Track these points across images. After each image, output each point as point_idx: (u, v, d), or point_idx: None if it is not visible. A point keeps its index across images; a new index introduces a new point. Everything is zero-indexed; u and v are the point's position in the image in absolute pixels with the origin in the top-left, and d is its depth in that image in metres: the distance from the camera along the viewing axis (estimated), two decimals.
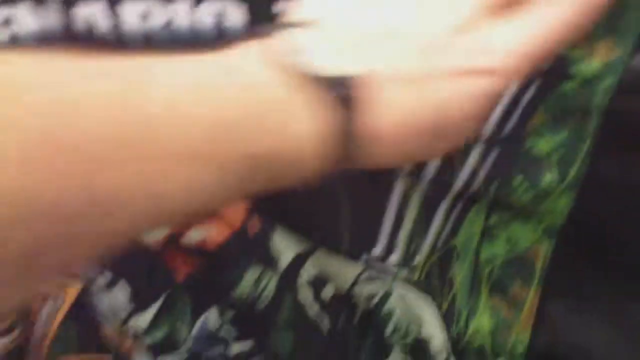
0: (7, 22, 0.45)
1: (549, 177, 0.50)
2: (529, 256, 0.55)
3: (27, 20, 0.46)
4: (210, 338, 0.61)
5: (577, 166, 0.49)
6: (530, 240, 0.54)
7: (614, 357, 0.58)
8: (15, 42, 0.46)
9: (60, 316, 0.60)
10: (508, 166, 0.50)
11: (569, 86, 0.46)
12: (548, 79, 0.46)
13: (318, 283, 0.58)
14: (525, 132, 0.49)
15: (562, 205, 0.51)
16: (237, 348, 0.61)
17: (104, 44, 0.46)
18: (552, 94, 0.47)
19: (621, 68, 0.45)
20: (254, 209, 0.55)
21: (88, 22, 0.45)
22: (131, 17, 0.45)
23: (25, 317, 0.59)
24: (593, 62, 0.45)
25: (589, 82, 0.46)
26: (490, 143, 0.49)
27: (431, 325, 0.59)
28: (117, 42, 0.46)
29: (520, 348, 0.59)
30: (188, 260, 0.57)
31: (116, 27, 0.45)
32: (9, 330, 0.57)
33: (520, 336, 0.58)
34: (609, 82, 0.45)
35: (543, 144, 0.49)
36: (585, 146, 0.48)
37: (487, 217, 0.54)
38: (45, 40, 0.46)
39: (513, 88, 0.47)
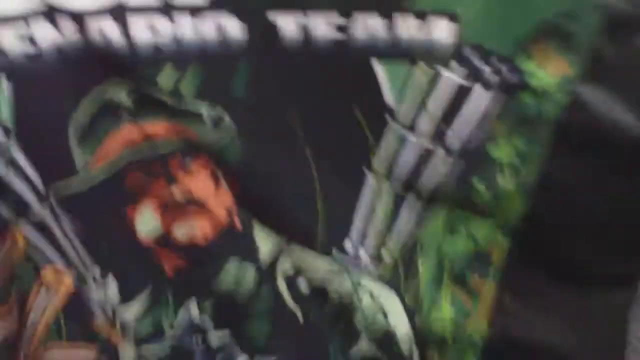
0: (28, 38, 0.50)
1: (504, 180, 0.55)
2: (486, 250, 0.60)
3: (47, 34, 0.50)
4: (191, 328, 0.65)
5: (531, 171, 0.54)
6: (488, 236, 0.59)
7: (560, 345, 0.63)
8: (35, 60, 0.51)
9: (53, 306, 0.64)
10: (468, 170, 0.55)
11: (523, 97, 0.51)
12: (505, 90, 0.51)
13: (292, 276, 0.63)
14: (483, 140, 0.54)
15: (517, 206, 0.55)
16: (215, 338, 0.66)
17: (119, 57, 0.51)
18: (508, 105, 0.52)
19: (574, 87, 0.50)
20: (237, 204, 0.59)
21: (103, 35, 0.50)
22: (139, 30, 0.50)
23: (22, 305, 0.63)
24: (547, 76, 0.50)
25: (543, 94, 0.50)
26: (452, 152, 0.55)
27: (396, 318, 0.64)
28: (131, 54, 0.51)
29: (477, 336, 0.63)
30: (178, 255, 0.62)
31: (128, 39, 0.50)
32: (4, 315, 0.61)
33: (478, 326, 0.63)
34: (561, 97, 0.50)
35: (499, 151, 0.54)
36: (538, 153, 0.53)
37: (448, 214, 0.59)
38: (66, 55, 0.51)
39: (476, 100, 0.52)
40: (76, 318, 0.65)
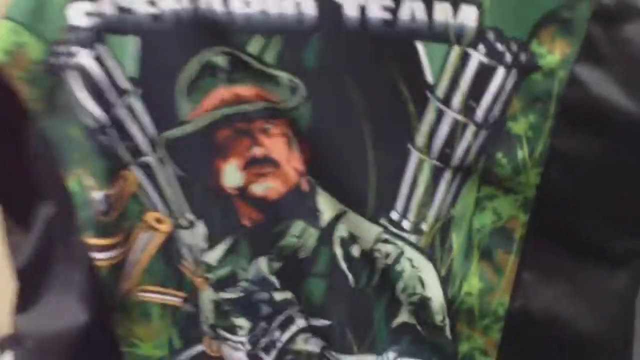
0: (152, 3, 0.67)
1: (521, 154, 0.64)
2: (509, 226, 0.67)
3: (169, 2, 0.66)
4: (261, 283, 0.76)
5: (542, 144, 0.63)
6: (510, 212, 0.67)
7: (575, 319, 0.68)
8: (158, 20, 0.66)
9: (150, 248, 0.77)
10: (493, 144, 0.64)
11: (535, 77, 0.61)
12: (521, 70, 0.62)
13: (347, 242, 0.73)
14: (506, 115, 0.64)
15: (532, 178, 0.64)
16: (279, 297, 0.76)
17: (219, 24, 0.65)
18: (524, 84, 0.62)
19: (572, 63, 0.61)
20: (305, 171, 0.71)
21: (210, 5, 0.65)
22: (236, 3, 0.64)
23: (125, 241, 0.76)
24: (552, 57, 0.61)
25: (550, 73, 0.59)
26: (480, 126, 0.65)
27: (432, 288, 0.72)
28: (229, 23, 0.65)
29: (502, 310, 0.70)
30: (253, 208, 0.74)
31: (227, 10, 0.65)
32: (114, 247, 0.74)
33: (501, 299, 0.70)
34: (563, 73, 0.60)
35: (518, 126, 0.63)
36: (548, 127, 0.63)
37: (478, 190, 0.68)
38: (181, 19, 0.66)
39: (498, 79, 0.63)
40: (168, 261, 0.76)
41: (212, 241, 0.74)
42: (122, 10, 0.64)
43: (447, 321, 0.72)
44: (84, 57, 0.65)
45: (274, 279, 0.75)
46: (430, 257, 0.70)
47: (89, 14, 0.64)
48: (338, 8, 0.61)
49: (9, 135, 0.70)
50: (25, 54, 0.65)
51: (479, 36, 0.60)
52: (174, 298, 0.78)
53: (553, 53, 0.59)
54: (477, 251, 0.69)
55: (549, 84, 0.60)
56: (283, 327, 0.77)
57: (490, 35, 0.60)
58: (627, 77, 0.59)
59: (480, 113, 0.63)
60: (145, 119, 0.69)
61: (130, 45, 0.66)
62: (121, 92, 0.67)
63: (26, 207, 0.75)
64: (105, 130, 0.67)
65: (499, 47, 0.60)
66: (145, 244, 0.75)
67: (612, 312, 0.68)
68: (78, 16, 0.64)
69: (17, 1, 0.65)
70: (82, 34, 0.65)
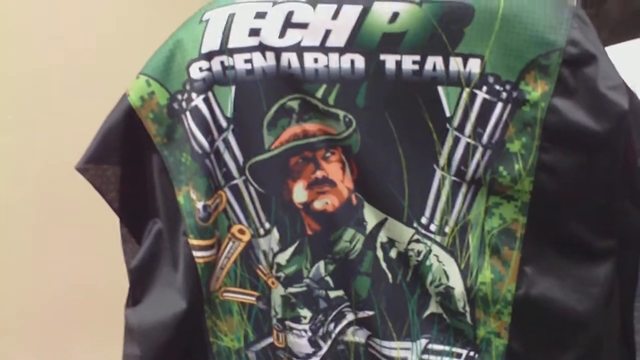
0: (248, 61, 0.91)
1: (517, 167, 0.84)
2: (513, 228, 0.87)
3: (259, 60, 0.89)
4: (319, 282, 0.97)
5: (533, 158, 0.83)
6: (512, 215, 0.86)
7: (565, 303, 0.85)
8: (249, 74, 0.91)
9: (234, 255, 0.98)
10: (497, 160, 0.85)
11: (525, 108, 0.81)
12: (514, 104, 0.82)
13: (387, 246, 0.94)
14: (504, 138, 0.85)
15: (526, 185, 0.83)
16: (333, 294, 0.97)
17: (294, 77, 0.87)
18: (517, 113, 0.82)
19: (550, 96, 0.80)
20: (354, 186, 0.92)
21: (289, 63, 0.86)
22: (308, 61, 0.85)
23: (217, 247, 0.97)
24: (536, 93, 0.79)
25: (535, 104, 0.79)
26: (486, 147, 0.87)
27: (454, 279, 0.91)
28: (302, 76, 0.86)
29: (509, 296, 0.89)
30: (314, 220, 0.95)
31: (302, 66, 0.86)
32: (211, 247, 0.94)
33: (509, 287, 0.89)
34: (544, 104, 0.79)
35: (514, 146, 0.83)
36: (536, 145, 0.82)
37: (487, 200, 0.89)
38: (266, 74, 0.88)
39: (498, 111, 0.85)
40: (247, 264, 0.96)
41: (283, 245, 0.95)
42: (226, 67, 0.89)
43: (467, 308, 0.91)
44: (198, 101, 0.89)
45: (329, 279, 0.95)
46: (452, 254, 0.90)
47: (202, 70, 0.88)
48: (381, 63, 0.85)
49: (137, 164, 0.93)
50: (154, 100, 0.89)
51: (482, 80, 0.82)
52: (250, 297, 0.98)
53: (536, 90, 0.80)
54: (489, 249, 0.88)
55: (534, 112, 0.81)
56: (336, 320, 0.97)
57: (490, 79, 0.82)
58: (591, 105, 0.78)
59: (485, 137, 0.84)
60: (236, 149, 0.92)
61: (229, 92, 0.89)
62: (220, 129, 0.90)
63: (141, 222, 0.97)
64: (209, 156, 0.90)
65: (497, 87, 0.82)
66: (230, 252, 0.96)
67: (594, 297, 0.85)
68: (195, 72, 0.88)
69: (151, 61, 0.90)
70: (197, 84, 0.89)
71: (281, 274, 0.95)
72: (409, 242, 0.90)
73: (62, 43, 1.62)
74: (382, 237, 0.92)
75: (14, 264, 1.67)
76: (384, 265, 0.92)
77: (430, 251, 0.90)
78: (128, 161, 0.92)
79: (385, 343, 0.94)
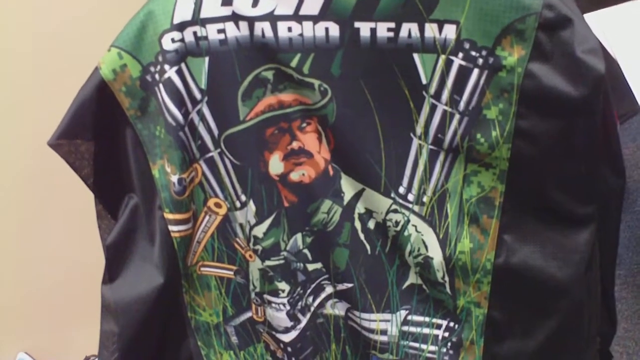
0: (221, 31, 0.89)
1: (495, 133, 0.83)
2: (491, 196, 0.86)
3: (232, 30, 0.86)
4: (297, 255, 0.96)
5: (510, 124, 0.82)
6: (490, 183, 0.85)
7: (545, 270, 0.85)
8: (223, 44, 0.89)
9: (211, 229, 0.97)
10: (474, 128, 0.84)
11: (501, 74, 0.79)
12: (490, 70, 0.81)
13: (365, 217, 0.93)
14: (481, 105, 0.84)
15: (504, 152, 0.82)
16: (311, 267, 0.96)
17: (269, 47, 0.85)
18: (493, 79, 0.80)
19: (526, 61, 0.79)
20: (331, 157, 0.91)
21: (262, 33, 0.84)
22: (282, 30, 0.83)
23: (193, 221, 0.96)
24: (513, 58, 0.78)
25: (511, 70, 0.77)
26: (463, 114, 0.86)
27: (433, 249, 0.91)
28: (276, 45, 0.84)
29: (489, 265, 0.89)
30: (291, 192, 0.94)
31: (275, 36, 0.84)
32: (186, 221, 0.93)
33: (488, 256, 0.88)
34: (521, 70, 0.78)
35: (491, 112, 0.82)
36: (513, 111, 0.81)
37: (465, 168, 0.88)
38: (240, 44, 0.86)
39: (474, 78, 0.84)
40: (224, 238, 0.96)
41: (260, 217, 0.94)
42: (199, 38, 0.87)
43: (446, 278, 0.90)
44: (171, 72, 0.87)
45: (307, 252, 0.95)
46: (431, 224, 0.89)
47: (175, 41, 0.87)
48: (356, 30, 0.83)
49: (110, 139, 0.91)
50: (127, 72, 0.87)
51: (458, 46, 0.80)
52: (228, 271, 0.97)
53: (512, 55, 0.79)
54: (467, 217, 0.88)
55: (511, 78, 0.79)
56: (314, 293, 0.96)
57: (466, 45, 0.80)
58: (567, 69, 0.77)
59: (462, 104, 0.83)
60: (211, 121, 0.90)
61: (202, 64, 0.87)
62: (194, 100, 0.89)
63: (116, 198, 0.96)
64: (183, 129, 0.89)
65: (473, 53, 0.80)
66: (207, 226, 0.95)
67: (574, 263, 0.85)
68: (168, 43, 0.86)
69: (122, 33, 0.88)
70: (170, 55, 0.87)
71: (258, 247, 0.94)
72: (387, 213, 0.90)
73: (31, 28, 1.57)
74: (359, 208, 0.91)
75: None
76: (362, 236, 0.91)
77: (408, 221, 0.89)
78: (101, 136, 0.90)
79: (365, 315, 0.94)
